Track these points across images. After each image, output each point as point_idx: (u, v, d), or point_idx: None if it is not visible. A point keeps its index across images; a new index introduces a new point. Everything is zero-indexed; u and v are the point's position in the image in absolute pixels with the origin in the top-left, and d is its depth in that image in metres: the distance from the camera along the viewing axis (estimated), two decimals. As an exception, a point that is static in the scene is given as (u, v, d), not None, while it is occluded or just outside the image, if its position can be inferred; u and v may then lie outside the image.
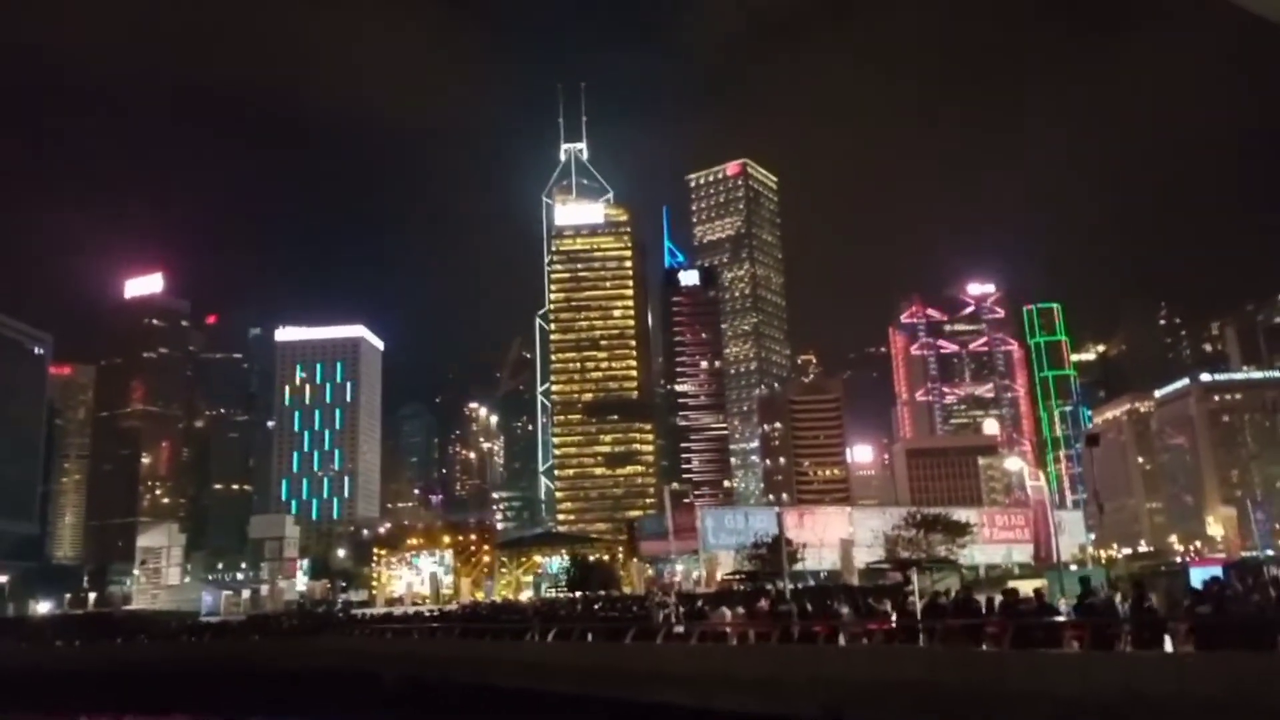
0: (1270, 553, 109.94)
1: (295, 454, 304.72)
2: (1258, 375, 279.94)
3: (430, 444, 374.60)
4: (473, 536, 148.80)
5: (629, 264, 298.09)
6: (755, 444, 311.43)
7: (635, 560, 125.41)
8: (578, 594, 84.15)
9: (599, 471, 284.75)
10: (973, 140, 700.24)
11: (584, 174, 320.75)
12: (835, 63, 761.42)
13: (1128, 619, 21.08)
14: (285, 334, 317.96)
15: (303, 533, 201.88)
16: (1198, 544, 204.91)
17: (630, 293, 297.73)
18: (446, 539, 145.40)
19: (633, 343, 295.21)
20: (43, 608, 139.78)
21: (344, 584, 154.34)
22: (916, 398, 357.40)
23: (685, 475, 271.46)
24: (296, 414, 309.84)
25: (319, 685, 52.38)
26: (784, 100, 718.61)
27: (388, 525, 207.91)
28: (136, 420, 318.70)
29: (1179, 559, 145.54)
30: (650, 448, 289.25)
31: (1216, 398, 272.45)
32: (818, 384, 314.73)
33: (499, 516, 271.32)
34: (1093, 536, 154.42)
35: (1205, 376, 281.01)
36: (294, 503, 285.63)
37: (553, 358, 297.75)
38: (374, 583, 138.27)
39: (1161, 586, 32.16)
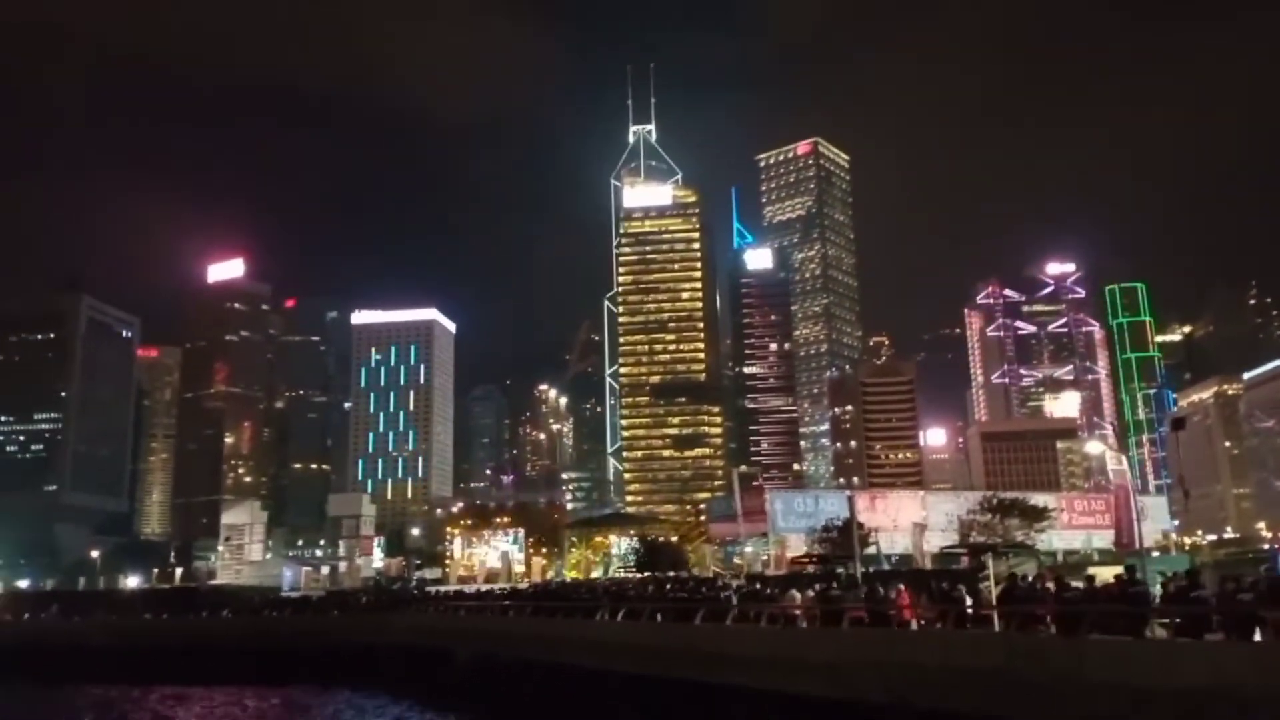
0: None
1: (371, 434, 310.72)
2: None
3: (501, 425, 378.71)
4: (543, 516, 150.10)
5: (697, 246, 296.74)
6: (825, 427, 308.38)
7: (705, 542, 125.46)
8: (646, 574, 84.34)
9: (667, 453, 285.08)
10: (1052, 118, 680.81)
11: (652, 155, 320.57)
12: (914, 45, 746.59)
13: (1216, 608, 20.30)
14: (361, 317, 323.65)
15: (378, 511, 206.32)
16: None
17: (698, 274, 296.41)
18: (518, 518, 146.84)
19: (700, 325, 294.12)
20: (132, 582, 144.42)
21: (418, 561, 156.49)
22: (992, 380, 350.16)
23: (754, 458, 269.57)
24: (372, 395, 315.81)
25: (395, 660, 53.75)
26: (857, 80, 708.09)
27: (460, 504, 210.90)
28: (220, 401, 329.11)
29: (1267, 546, 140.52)
30: (718, 430, 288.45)
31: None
32: (890, 366, 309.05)
33: (568, 497, 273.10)
34: (1176, 523, 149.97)
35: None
36: (369, 482, 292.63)
37: (621, 340, 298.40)
38: (447, 560, 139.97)
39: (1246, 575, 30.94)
